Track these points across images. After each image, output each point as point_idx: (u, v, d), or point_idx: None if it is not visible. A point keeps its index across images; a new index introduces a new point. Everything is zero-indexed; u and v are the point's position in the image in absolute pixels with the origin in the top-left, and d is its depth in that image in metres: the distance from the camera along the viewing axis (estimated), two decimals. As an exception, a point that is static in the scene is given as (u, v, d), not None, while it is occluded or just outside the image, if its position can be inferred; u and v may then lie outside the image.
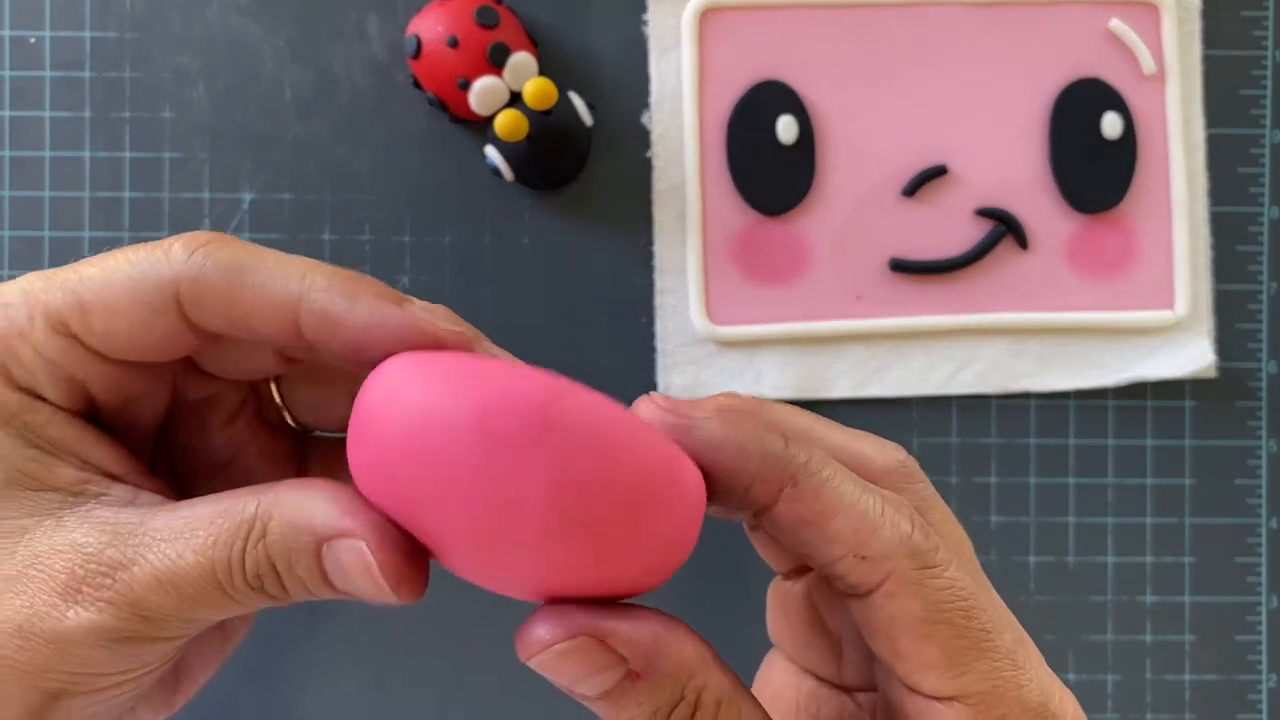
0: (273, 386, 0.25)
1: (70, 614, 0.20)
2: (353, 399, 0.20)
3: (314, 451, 0.26)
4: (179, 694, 0.24)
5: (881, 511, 0.19)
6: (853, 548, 0.19)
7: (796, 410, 0.22)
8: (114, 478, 0.21)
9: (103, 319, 0.21)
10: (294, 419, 0.25)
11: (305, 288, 0.20)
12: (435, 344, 0.20)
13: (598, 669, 0.19)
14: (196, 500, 0.21)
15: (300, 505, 0.20)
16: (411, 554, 0.19)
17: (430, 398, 0.18)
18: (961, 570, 0.20)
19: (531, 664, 0.19)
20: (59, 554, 0.20)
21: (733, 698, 0.20)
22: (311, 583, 0.20)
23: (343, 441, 0.22)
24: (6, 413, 0.21)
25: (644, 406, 0.20)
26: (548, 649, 0.19)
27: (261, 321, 0.21)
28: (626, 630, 0.19)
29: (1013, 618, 0.21)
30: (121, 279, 0.21)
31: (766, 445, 0.19)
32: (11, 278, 0.40)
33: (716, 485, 0.20)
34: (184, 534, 0.20)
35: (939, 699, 0.20)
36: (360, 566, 0.19)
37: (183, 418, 0.24)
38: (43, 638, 0.20)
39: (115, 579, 0.20)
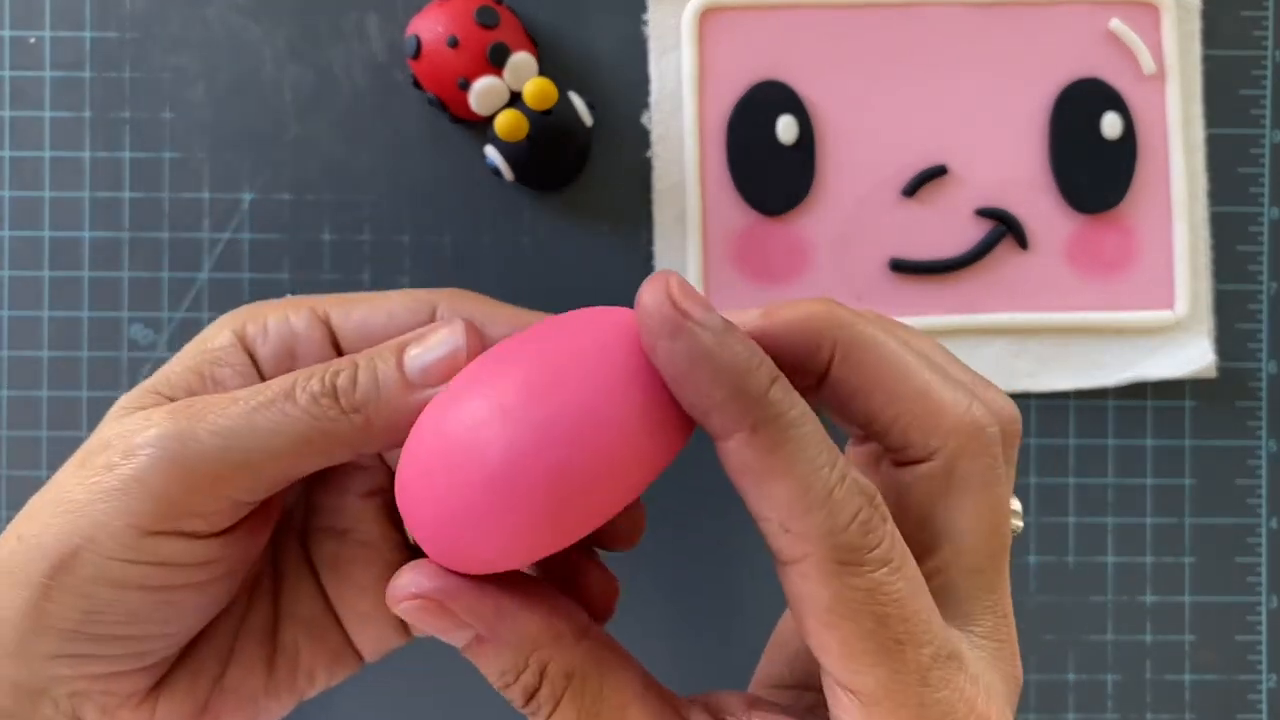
0: None
1: (129, 427, 0.22)
2: None
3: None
4: (208, 715, 0.24)
5: (826, 495, 0.19)
6: (782, 518, 0.19)
7: (905, 330, 0.22)
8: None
9: (365, 312, 0.24)
10: None
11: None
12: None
13: (448, 629, 0.21)
14: None
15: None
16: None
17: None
18: (903, 577, 0.19)
19: (397, 611, 0.21)
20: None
21: (588, 674, 0.21)
22: (385, 370, 0.22)
23: None
24: (209, 343, 0.23)
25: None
26: (401, 603, 0.21)
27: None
28: (469, 600, 0.20)
29: (955, 639, 0.20)
30: (402, 293, 0.25)
31: (744, 384, 0.19)
32: (12, 278, 0.40)
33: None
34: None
35: (840, 686, 0.20)
36: (440, 335, 0.22)
37: (328, 475, 0.25)
38: (102, 464, 0.21)
39: (186, 401, 0.22)
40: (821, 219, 0.41)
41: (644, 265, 0.41)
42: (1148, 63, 0.41)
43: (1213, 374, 0.41)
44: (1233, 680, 0.41)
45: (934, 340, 0.23)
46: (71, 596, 0.21)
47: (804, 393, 0.20)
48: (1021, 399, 0.41)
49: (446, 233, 0.41)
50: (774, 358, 0.19)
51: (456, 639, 0.21)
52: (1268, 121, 0.41)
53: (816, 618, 0.19)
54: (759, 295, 0.41)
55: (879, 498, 0.20)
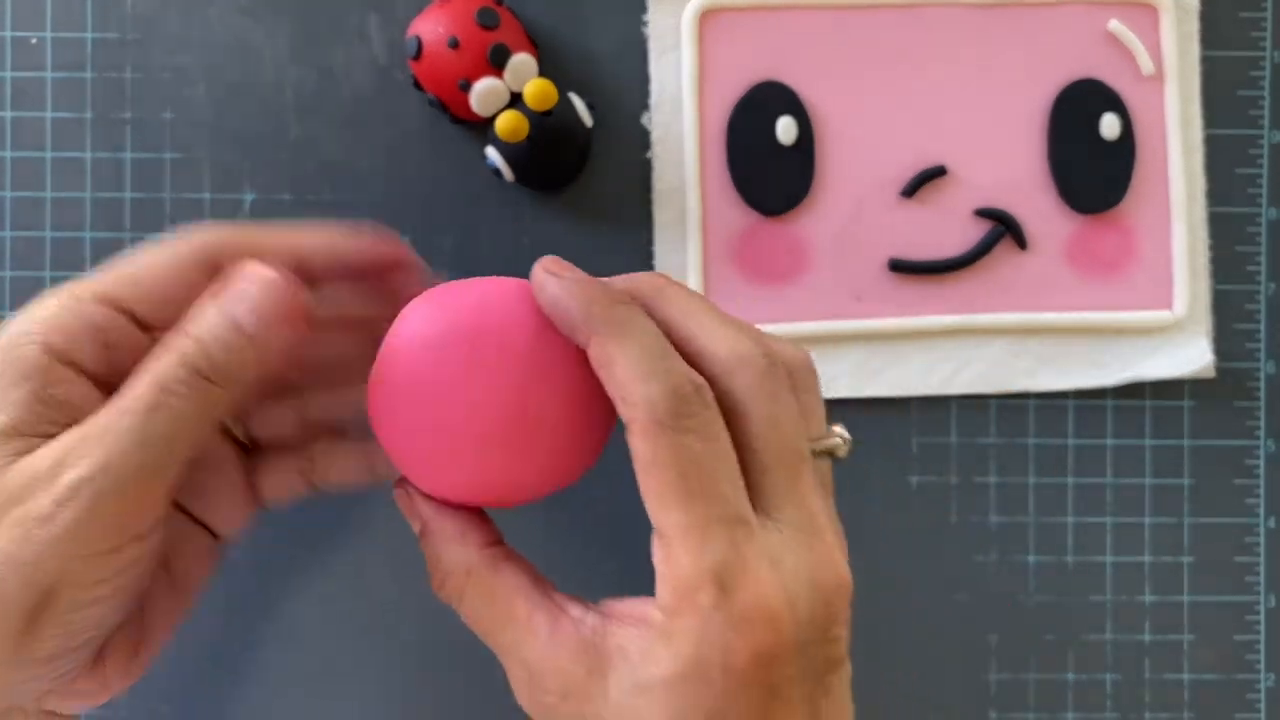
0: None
1: (56, 483, 0.23)
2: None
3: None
4: (141, 652, 0.27)
5: (651, 373, 0.24)
6: (622, 392, 0.24)
7: (678, 289, 0.28)
8: None
9: (148, 280, 0.27)
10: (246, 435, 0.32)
11: (307, 230, 0.28)
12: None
13: (409, 514, 0.28)
14: None
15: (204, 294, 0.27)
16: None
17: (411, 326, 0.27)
18: (709, 450, 0.24)
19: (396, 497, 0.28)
20: (41, 454, 0.24)
21: (483, 571, 0.27)
22: (222, 335, 0.25)
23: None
24: (29, 370, 0.25)
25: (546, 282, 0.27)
26: (395, 492, 0.29)
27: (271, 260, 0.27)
28: (422, 503, 0.28)
29: (748, 513, 0.24)
30: (155, 251, 0.27)
31: (590, 307, 0.26)
32: (13, 278, 0.40)
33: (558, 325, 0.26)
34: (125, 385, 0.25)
35: (655, 530, 0.24)
36: (247, 279, 0.26)
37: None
38: (36, 517, 0.23)
39: (85, 437, 0.24)
40: (821, 219, 0.41)
41: (644, 265, 0.41)
42: (1146, 63, 0.41)
43: (1211, 374, 0.41)
44: (1231, 679, 0.42)
45: (692, 296, 0.28)
46: (50, 630, 0.23)
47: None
48: (1020, 399, 0.41)
49: (447, 233, 0.41)
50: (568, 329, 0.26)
51: (413, 524, 0.28)
52: (1266, 122, 0.42)
53: (641, 469, 0.24)
54: (759, 295, 0.41)
55: (707, 390, 0.25)
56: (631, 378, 0.24)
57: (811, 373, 0.27)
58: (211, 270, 0.27)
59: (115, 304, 0.26)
